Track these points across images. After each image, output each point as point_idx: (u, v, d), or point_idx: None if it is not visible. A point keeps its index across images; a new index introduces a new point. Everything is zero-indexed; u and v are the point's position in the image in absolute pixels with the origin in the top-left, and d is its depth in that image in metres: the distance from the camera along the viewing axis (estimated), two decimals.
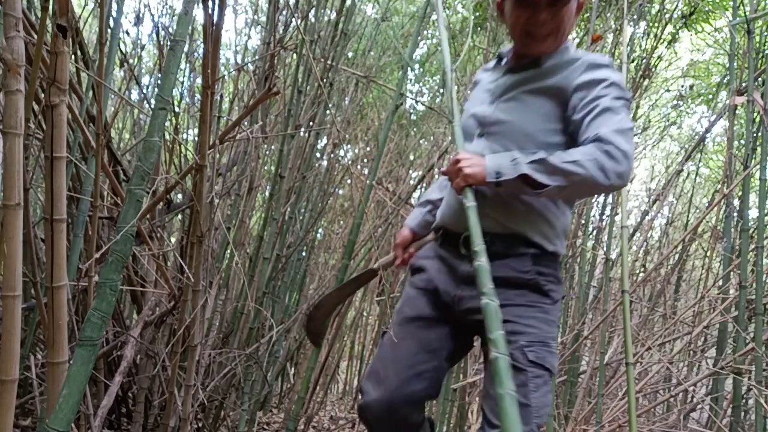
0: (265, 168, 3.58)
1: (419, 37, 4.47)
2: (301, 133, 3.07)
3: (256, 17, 3.94)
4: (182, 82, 3.33)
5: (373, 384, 1.50)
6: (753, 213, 3.33)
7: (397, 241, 1.70)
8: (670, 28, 4.09)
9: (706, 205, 5.07)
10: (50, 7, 1.27)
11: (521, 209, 1.40)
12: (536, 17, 1.41)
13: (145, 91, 3.43)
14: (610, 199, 3.95)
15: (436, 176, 5.04)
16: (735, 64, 3.12)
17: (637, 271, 4.67)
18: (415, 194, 4.44)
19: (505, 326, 1.14)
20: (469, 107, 1.57)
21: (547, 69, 1.43)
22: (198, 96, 3.24)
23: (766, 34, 3.52)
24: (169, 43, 1.52)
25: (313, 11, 3.10)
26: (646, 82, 4.09)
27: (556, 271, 1.43)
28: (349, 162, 4.72)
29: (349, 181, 4.71)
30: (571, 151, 1.29)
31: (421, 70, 5.65)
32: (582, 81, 1.37)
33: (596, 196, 1.47)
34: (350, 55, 4.29)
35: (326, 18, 3.28)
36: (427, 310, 1.50)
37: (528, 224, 1.40)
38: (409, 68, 3.43)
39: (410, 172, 5.07)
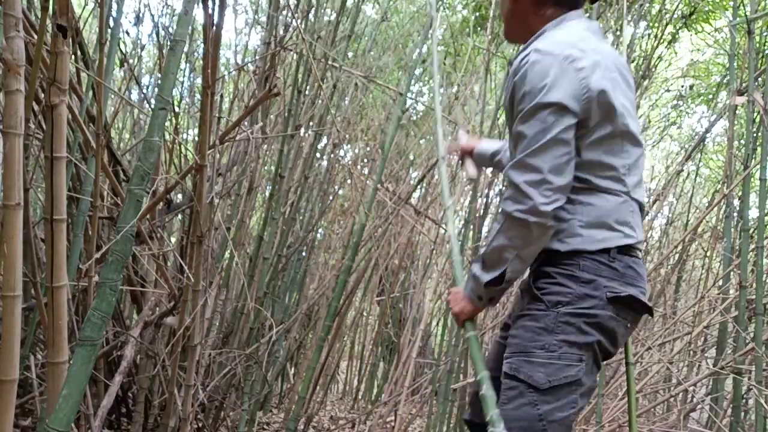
0: (265, 168, 3.58)
1: (419, 37, 4.47)
2: (302, 134, 3.07)
3: (256, 17, 3.95)
4: (182, 82, 3.33)
5: None
6: (753, 213, 3.33)
7: (461, 143, 1.77)
8: (670, 28, 4.09)
9: (706, 205, 5.08)
10: (50, 7, 1.27)
11: None
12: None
13: (145, 91, 3.43)
14: None
15: (436, 176, 5.05)
16: (735, 64, 3.12)
17: None
18: (415, 194, 4.44)
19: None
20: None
21: (512, 73, 1.34)
22: (198, 96, 3.24)
23: (766, 34, 3.52)
24: (169, 43, 1.53)
25: (313, 11, 3.10)
26: (646, 82, 4.09)
27: (565, 269, 1.27)
28: (349, 162, 4.72)
29: (349, 181, 4.71)
30: (494, 229, 1.31)
31: (422, 70, 5.65)
32: (513, 92, 1.30)
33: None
34: (350, 55, 4.29)
35: (326, 18, 3.28)
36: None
37: None
38: (413, 71, 3.43)
39: (410, 172, 5.08)
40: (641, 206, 1.36)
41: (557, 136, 1.21)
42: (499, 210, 1.28)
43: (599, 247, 1.26)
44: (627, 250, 1.29)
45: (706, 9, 4.25)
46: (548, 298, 1.27)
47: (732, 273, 3.12)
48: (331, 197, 4.24)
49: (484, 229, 3.54)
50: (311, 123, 3.20)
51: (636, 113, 1.36)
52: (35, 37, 1.52)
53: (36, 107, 1.98)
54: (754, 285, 2.62)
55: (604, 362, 1.36)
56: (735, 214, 3.12)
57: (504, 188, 1.31)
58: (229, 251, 2.91)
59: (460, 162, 1.79)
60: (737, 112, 3.46)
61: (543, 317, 1.26)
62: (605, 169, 1.28)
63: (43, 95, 1.72)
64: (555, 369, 1.22)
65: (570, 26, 1.34)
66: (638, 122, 1.37)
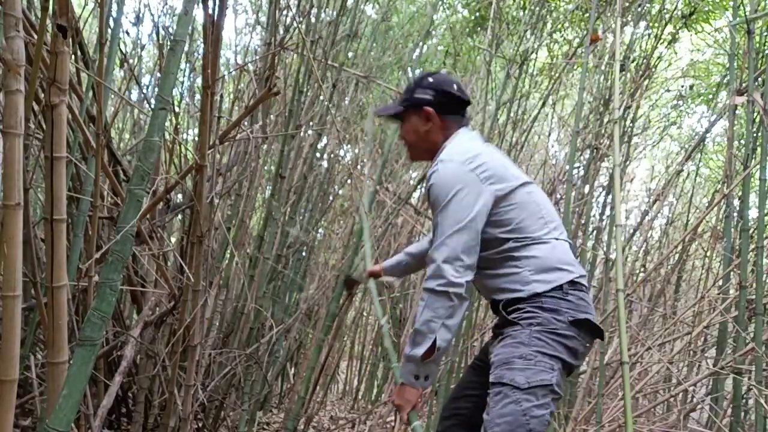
0: (265, 168, 3.58)
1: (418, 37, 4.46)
2: (302, 134, 3.07)
3: (256, 17, 3.95)
4: (182, 82, 3.33)
5: None
6: (753, 213, 3.33)
7: (368, 269, 2.07)
8: (670, 28, 4.08)
9: (706, 205, 5.08)
10: (50, 7, 1.27)
11: (483, 284, 1.62)
12: (401, 135, 1.73)
13: (145, 91, 3.43)
14: (609, 199, 3.95)
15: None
16: (735, 64, 3.12)
17: (637, 271, 4.67)
18: (416, 194, 4.43)
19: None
20: None
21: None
22: (198, 96, 3.24)
23: (766, 34, 3.52)
24: (169, 43, 1.53)
25: (314, 11, 3.10)
26: (646, 82, 4.09)
27: (532, 302, 1.51)
28: (349, 162, 4.72)
29: (349, 181, 4.71)
30: (420, 306, 1.52)
31: (421, 70, 5.65)
32: (429, 201, 1.59)
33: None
34: (350, 55, 4.29)
35: (327, 18, 3.28)
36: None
37: (491, 291, 1.59)
38: (412, 71, 3.43)
39: (410, 172, 5.07)
40: (570, 245, 1.64)
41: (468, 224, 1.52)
42: (423, 290, 1.51)
43: (553, 286, 1.51)
44: (574, 285, 1.54)
45: (706, 9, 4.25)
46: (523, 321, 1.49)
47: (732, 273, 3.12)
48: (331, 197, 4.24)
49: None
50: (311, 123, 3.20)
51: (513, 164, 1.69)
52: (35, 37, 1.52)
53: (36, 107, 1.98)
54: (754, 285, 2.62)
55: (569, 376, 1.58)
56: (735, 214, 3.12)
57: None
58: (229, 251, 2.91)
59: (373, 280, 2.11)
60: (737, 112, 3.46)
61: (519, 334, 1.48)
62: (531, 224, 1.56)
63: (43, 95, 1.72)
64: (532, 373, 1.42)
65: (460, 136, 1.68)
66: (515, 167, 1.69)
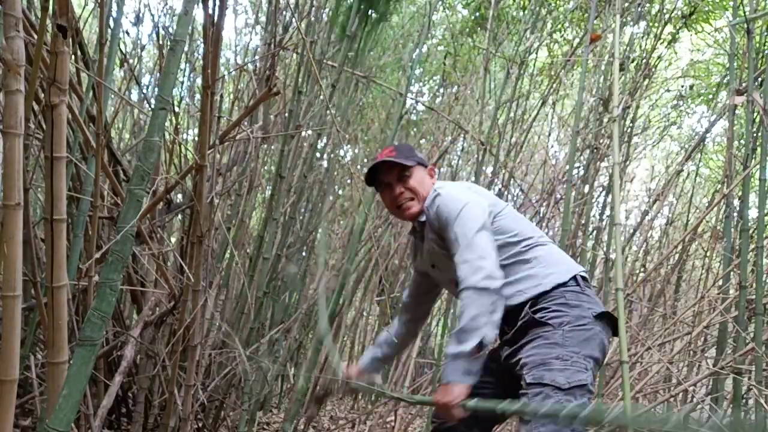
0: (265, 168, 3.58)
1: (420, 37, 4.46)
2: (303, 134, 3.07)
3: (256, 17, 3.94)
4: (182, 82, 3.33)
5: None
6: (753, 213, 3.32)
7: (345, 374, 1.95)
8: (670, 28, 4.08)
9: (706, 205, 5.07)
10: (50, 7, 1.27)
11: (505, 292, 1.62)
12: (394, 192, 1.77)
13: (145, 91, 3.43)
14: (609, 199, 3.95)
15: (435, 177, 5.04)
16: (735, 64, 3.12)
17: (637, 271, 4.67)
18: None
19: (518, 366, 1.54)
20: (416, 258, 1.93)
21: (430, 223, 1.73)
22: (198, 96, 3.24)
23: (765, 34, 3.52)
24: (169, 43, 1.53)
25: (314, 11, 3.10)
26: (645, 82, 4.09)
27: (556, 299, 1.57)
28: (349, 162, 4.72)
29: (349, 181, 4.71)
30: (463, 306, 1.53)
31: (421, 70, 5.64)
32: (439, 225, 1.66)
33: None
34: (350, 54, 4.29)
35: (327, 18, 3.28)
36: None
37: (509, 298, 1.60)
38: (411, 71, 3.43)
39: None
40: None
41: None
42: (462, 292, 1.53)
43: (569, 276, 1.60)
44: (585, 280, 1.64)
45: (706, 9, 4.25)
46: (552, 321, 1.53)
47: (732, 273, 3.12)
48: (331, 197, 4.23)
49: None
50: (310, 123, 3.20)
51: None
52: (35, 37, 1.52)
53: (36, 107, 1.98)
54: (754, 285, 2.63)
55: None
56: (735, 214, 3.12)
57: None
58: (229, 251, 2.91)
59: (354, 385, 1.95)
60: (737, 112, 3.46)
61: (552, 335, 1.51)
62: (526, 229, 1.68)
63: (43, 95, 1.72)
64: (571, 373, 1.46)
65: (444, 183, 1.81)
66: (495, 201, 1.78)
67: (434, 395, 1.57)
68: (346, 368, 1.96)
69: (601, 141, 3.81)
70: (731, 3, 3.63)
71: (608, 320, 1.59)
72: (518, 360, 1.55)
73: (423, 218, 1.76)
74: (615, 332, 1.62)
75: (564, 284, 1.59)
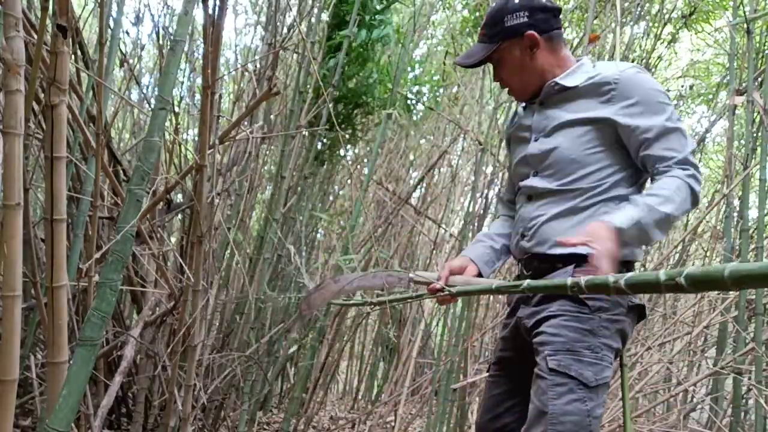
0: (265, 168, 3.58)
1: (417, 37, 4.46)
2: (303, 134, 3.07)
3: (257, 17, 3.94)
4: (182, 82, 3.33)
5: None
6: (753, 213, 3.33)
7: (453, 264, 1.54)
8: (669, 28, 4.09)
9: (706, 205, 5.07)
10: (50, 7, 1.27)
11: (564, 228, 1.39)
12: (499, 77, 1.52)
13: (145, 91, 3.43)
14: None
15: (435, 177, 5.04)
16: (735, 64, 3.12)
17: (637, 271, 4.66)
18: (415, 194, 4.43)
19: (537, 338, 1.35)
20: (513, 157, 1.59)
21: (572, 95, 1.43)
22: (198, 96, 3.24)
23: (765, 34, 3.52)
24: (169, 43, 1.52)
25: (315, 11, 3.10)
26: None
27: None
28: (349, 162, 4.71)
29: (349, 180, 4.70)
30: (665, 192, 1.29)
31: (421, 69, 5.64)
32: (625, 104, 1.38)
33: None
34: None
35: (326, 18, 3.28)
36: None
37: (554, 244, 1.39)
38: (407, 71, 3.42)
39: (410, 172, 5.07)
40: None
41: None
42: (686, 183, 1.31)
43: (633, 259, 1.42)
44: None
45: (706, 9, 4.25)
46: (591, 303, 1.34)
47: None
48: (331, 197, 4.23)
49: (484, 229, 3.55)
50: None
51: None
52: (35, 37, 1.52)
53: (36, 107, 1.98)
54: None
55: None
56: (735, 214, 3.12)
57: (683, 169, 1.33)
58: (229, 251, 2.91)
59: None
60: (737, 112, 3.46)
61: (587, 320, 1.33)
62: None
63: (43, 95, 1.72)
64: (599, 369, 1.32)
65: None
66: None
67: (584, 237, 1.21)
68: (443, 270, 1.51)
69: None
70: (731, 3, 3.63)
71: (636, 311, 1.41)
72: (540, 332, 1.36)
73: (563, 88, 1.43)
74: (640, 319, 1.45)
75: (631, 263, 1.41)
